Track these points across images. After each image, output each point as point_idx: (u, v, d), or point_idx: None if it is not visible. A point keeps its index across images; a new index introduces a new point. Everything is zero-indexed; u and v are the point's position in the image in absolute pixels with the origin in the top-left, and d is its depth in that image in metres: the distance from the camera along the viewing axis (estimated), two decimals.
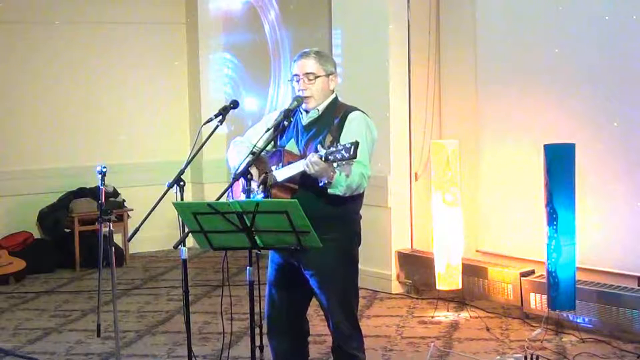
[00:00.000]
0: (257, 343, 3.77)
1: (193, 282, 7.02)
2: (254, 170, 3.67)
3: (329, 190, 3.51)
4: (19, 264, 7.41)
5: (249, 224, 3.31)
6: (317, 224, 3.30)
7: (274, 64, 8.19)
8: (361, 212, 3.82)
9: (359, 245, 3.84)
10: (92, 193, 7.83)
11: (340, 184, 3.49)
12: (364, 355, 3.85)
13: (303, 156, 3.60)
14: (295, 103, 3.72)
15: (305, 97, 3.70)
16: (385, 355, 5.04)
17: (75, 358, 5.17)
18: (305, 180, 3.55)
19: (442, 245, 5.88)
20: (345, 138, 3.52)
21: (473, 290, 5.95)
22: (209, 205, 3.32)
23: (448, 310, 5.89)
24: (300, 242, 3.32)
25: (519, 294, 5.60)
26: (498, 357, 4.86)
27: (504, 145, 5.98)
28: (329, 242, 3.49)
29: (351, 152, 3.27)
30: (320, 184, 3.48)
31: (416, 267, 6.32)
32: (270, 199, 3.57)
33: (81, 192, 8.01)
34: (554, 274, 5.07)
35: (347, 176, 3.45)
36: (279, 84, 8.13)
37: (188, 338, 4.01)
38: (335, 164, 3.33)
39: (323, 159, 3.34)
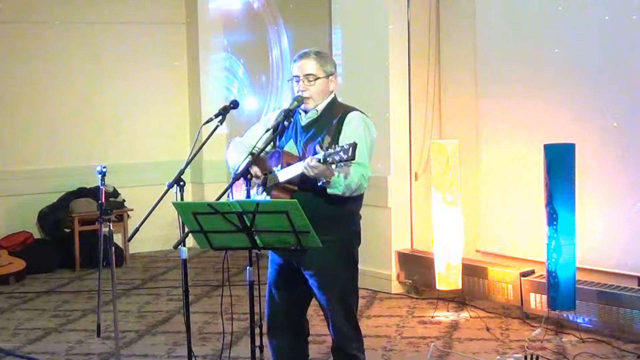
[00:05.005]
0: (257, 343, 3.77)
1: (193, 282, 7.02)
2: (255, 170, 3.67)
3: (328, 190, 3.51)
4: (19, 264, 7.41)
5: (249, 224, 3.31)
6: (316, 224, 3.29)
7: (274, 64, 8.19)
8: (361, 212, 3.82)
9: (358, 245, 3.84)
10: (92, 193, 7.83)
11: (339, 184, 3.49)
12: (364, 355, 3.84)
13: (302, 157, 3.60)
14: (296, 103, 3.72)
15: (305, 98, 3.70)
16: (385, 355, 5.04)
17: (75, 358, 5.17)
18: (304, 181, 3.55)
19: (442, 245, 5.88)
20: (344, 139, 3.52)
21: (473, 290, 5.95)
22: (209, 205, 3.32)
23: (448, 310, 5.89)
24: (300, 242, 3.32)
25: (519, 294, 5.61)
26: (498, 357, 4.86)
27: (504, 145, 5.98)
28: (329, 242, 3.49)
29: (349, 154, 3.26)
30: (319, 184, 3.48)
31: (416, 267, 6.32)
32: (270, 200, 3.57)
33: (81, 192, 8.02)
34: (554, 274, 5.07)
35: (346, 177, 3.46)
36: (278, 84, 8.13)
37: (188, 338, 4.01)
38: (333, 166, 3.33)
39: (322, 161, 3.34)
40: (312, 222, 3.26)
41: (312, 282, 3.73)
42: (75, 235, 7.74)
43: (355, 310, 3.85)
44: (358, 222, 3.81)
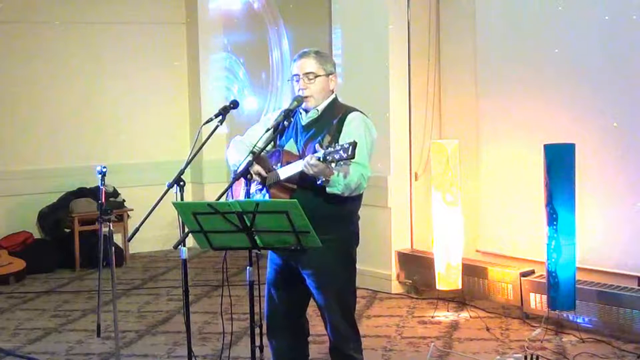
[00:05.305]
0: (257, 343, 3.77)
1: (193, 282, 7.02)
2: (259, 169, 3.67)
3: (327, 189, 3.51)
4: (19, 264, 7.41)
5: (249, 224, 3.31)
6: (316, 223, 3.30)
7: (274, 64, 8.19)
8: (361, 212, 3.82)
9: (357, 246, 3.84)
10: (92, 193, 7.83)
11: (339, 183, 3.49)
12: (362, 355, 3.83)
13: (302, 156, 3.60)
14: (295, 103, 3.72)
15: (305, 97, 3.70)
16: (385, 355, 5.03)
17: (75, 358, 5.17)
18: (303, 180, 3.55)
19: (442, 245, 5.88)
20: (344, 139, 3.52)
21: (473, 290, 5.95)
22: (209, 205, 3.32)
23: (448, 310, 5.89)
24: (300, 242, 3.32)
25: (519, 294, 5.61)
26: (498, 357, 4.86)
27: (504, 145, 5.98)
28: (327, 242, 3.48)
29: (349, 152, 3.27)
30: (318, 182, 3.48)
31: (416, 267, 6.32)
32: (270, 199, 3.57)
33: (81, 192, 8.02)
34: (554, 274, 5.07)
35: (345, 176, 3.46)
36: (278, 84, 8.14)
37: (188, 338, 4.01)
38: (333, 164, 3.34)
39: (321, 159, 3.34)
40: (312, 222, 3.26)
41: (309, 281, 3.73)
42: (75, 235, 7.74)
43: (353, 310, 3.85)
44: (357, 222, 3.81)
